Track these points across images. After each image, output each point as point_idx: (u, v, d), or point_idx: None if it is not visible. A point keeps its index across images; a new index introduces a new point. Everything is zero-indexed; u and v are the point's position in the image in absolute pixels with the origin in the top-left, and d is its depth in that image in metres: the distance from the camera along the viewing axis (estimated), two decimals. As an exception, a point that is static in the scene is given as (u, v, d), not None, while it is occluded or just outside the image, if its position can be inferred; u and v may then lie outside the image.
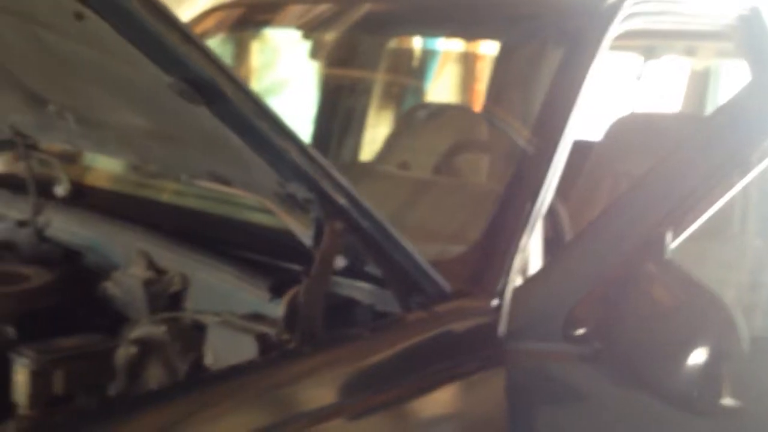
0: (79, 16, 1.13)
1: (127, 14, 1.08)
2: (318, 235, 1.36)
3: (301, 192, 1.30)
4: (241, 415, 1.23)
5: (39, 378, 1.40)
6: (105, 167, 2.26)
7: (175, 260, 1.71)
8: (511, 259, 1.59)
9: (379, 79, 3.64)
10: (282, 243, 1.58)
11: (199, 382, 1.35)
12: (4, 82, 1.68)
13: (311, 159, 1.24)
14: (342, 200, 1.29)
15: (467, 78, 5.05)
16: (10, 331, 1.64)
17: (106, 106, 1.54)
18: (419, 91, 4.62)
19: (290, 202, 1.38)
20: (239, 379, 1.27)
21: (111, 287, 1.79)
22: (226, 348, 1.43)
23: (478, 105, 3.94)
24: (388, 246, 1.38)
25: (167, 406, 1.21)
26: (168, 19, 1.09)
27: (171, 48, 1.10)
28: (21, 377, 1.40)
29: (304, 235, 1.42)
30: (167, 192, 2.00)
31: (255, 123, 1.17)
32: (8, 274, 1.79)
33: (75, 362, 1.43)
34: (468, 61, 3.99)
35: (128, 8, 1.07)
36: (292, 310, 1.34)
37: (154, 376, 1.51)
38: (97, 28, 1.13)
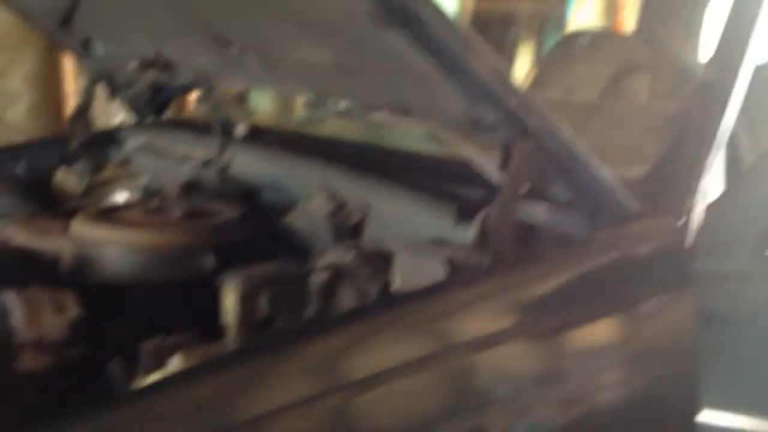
0: None
1: None
2: (505, 158, 1.37)
3: (489, 114, 1.31)
4: (429, 335, 1.27)
5: (246, 301, 1.49)
6: (278, 107, 2.35)
7: (354, 192, 1.77)
8: (697, 179, 1.55)
9: (526, 9, 3.56)
10: (457, 172, 1.61)
11: (390, 302, 1.40)
12: (190, 25, 1.77)
13: (502, 79, 1.24)
14: (532, 120, 1.30)
15: (610, 8, 4.90)
16: (211, 260, 1.76)
17: (289, 43, 1.59)
18: (562, 21, 4.51)
19: (475, 126, 1.39)
20: (429, 299, 1.32)
21: (295, 220, 1.88)
22: (414, 273, 1.47)
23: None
24: (577, 166, 1.37)
25: (358, 325, 1.28)
26: None
27: None
28: (229, 301, 1.50)
29: (486, 161, 1.43)
30: (342, 128, 2.07)
31: (450, 45, 1.18)
32: (200, 210, 1.91)
33: (277, 287, 1.51)
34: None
35: None
36: (483, 232, 1.37)
37: (346, 300, 1.58)
38: None
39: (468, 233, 1.44)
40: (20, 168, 2.45)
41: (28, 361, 1.52)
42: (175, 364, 1.36)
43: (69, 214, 2.19)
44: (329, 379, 1.16)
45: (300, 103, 2.23)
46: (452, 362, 1.24)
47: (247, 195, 2.12)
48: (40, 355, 1.53)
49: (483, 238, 1.37)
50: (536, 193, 1.48)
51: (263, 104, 2.57)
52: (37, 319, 1.54)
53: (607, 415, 1.40)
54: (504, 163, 1.37)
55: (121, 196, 2.29)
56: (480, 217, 1.40)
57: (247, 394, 1.11)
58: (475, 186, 1.54)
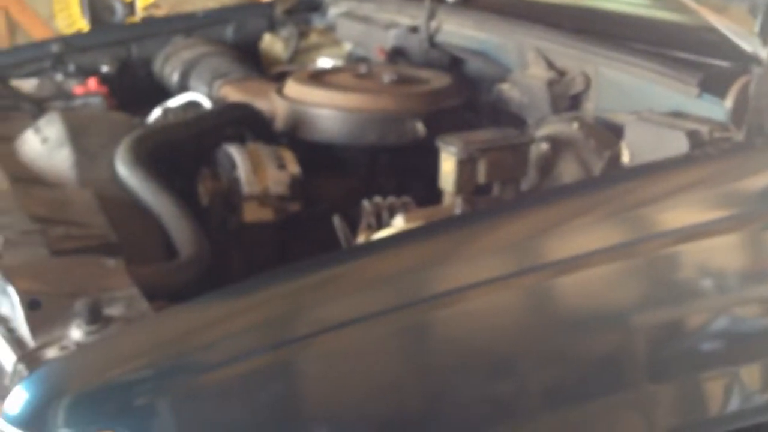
0: None
1: None
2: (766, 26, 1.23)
3: None
4: (690, 206, 1.19)
5: (465, 166, 1.46)
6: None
7: (576, 59, 1.67)
8: None
9: None
10: (699, 39, 1.47)
11: (611, 179, 1.32)
12: None
13: None
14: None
15: None
16: (420, 126, 1.74)
17: None
18: None
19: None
20: (685, 170, 1.23)
21: (507, 89, 1.81)
22: (649, 145, 1.38)
23: None
24: None
25: (588, 196, 1.21)
26: None
27: None
28: (448, 165, 1.47)
29: (738, 29, 1.30)
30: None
31: None
32: (410, 76, 1.88)
33: (496, 153, 1.47)
34: None
35: None
36: (739, 102, 1.25)
37: (568, 172, 1.52)
38: None
39: (713, 107, 1.33)
40: (228, 32, 2.51)
41: (253, 214, 1.57)
42: (398, 223, 1.36)
43: (277, 78, 2.24)
44: (530, 257, 1.10)
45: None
46: (663, 250, 1.15)
47: (453, 62, 2.06)
48: (263, 208, 1.58)
49: (739, 108, 1.25)
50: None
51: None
52: (261, 173, 1.59)
53: None
54: (765, 31, 1.23)
55: (326, 62, 2.30)
56: (736, 88, 1.28)
57: (452, 264, 1.08)
58: (717, 56, 1.41)
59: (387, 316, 1.01)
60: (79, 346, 0.97)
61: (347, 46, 2.39)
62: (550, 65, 1.73)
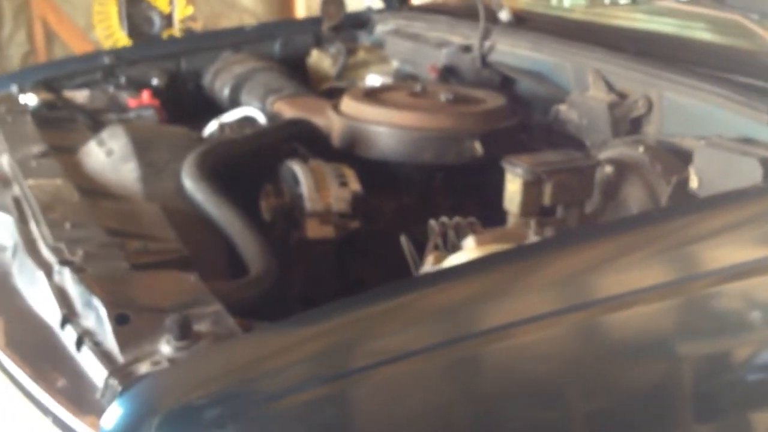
0: None
1: None
2: None
3: None
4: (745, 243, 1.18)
5: (531, 188, 1.46)
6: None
7: (638, 82, 1.67)
8: None
9: None
10: (764, 65, 1.47)
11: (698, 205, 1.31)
12: None
13: None
14: None
15: None
16: (478, 146, 1.74)
17: None
18: None
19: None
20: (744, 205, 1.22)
21: (565, 111, 1.81)
22: (719, 172, 1.38)
23: None
24: None
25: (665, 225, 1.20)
26: None
27: None
28: (514, 187, 1.48)
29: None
30: (620, 16, 1.95)
31: None
32: (464, 96, 1.88)
33: (562, 176, 1.47)
34: None
35: None
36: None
37: (634, 197, 1.52)
38: None
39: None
40: (276, 47, 2.53)
41: (315, 231, 1.58)
42: (468, 245, 1.36)
43: (327, 94, 2.25)
44: (581, 294, 1.09)
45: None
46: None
47: (505, 82, 2.07)
48: (325, 226, 1.58)
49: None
50: None
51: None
52: (324, 190, 1.59)
53: None
54: None
55: (375, 79, 2.31)
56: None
57: (504, 299, 1.08)
58: None
59: (441, 349, 1.01)
60: (171, 362, 0.97)
61: (395, 64, 2.40)
62: (610, 87, 1.73)
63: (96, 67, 2.30)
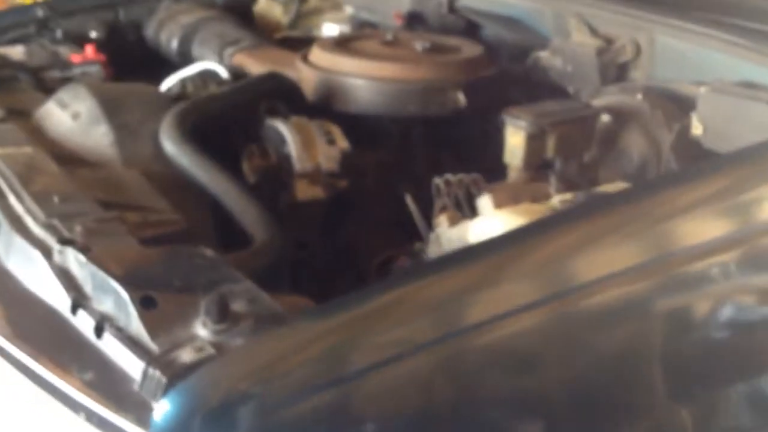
0: None
1: None
2: None
3: None
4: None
5: (534, 141, 1.42)
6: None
7: (626, 26, 1.64)
8: None
9: None
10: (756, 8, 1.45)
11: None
12: None
13: None
14: None
15: None
16: (461, 96, 1.68)
17: None
18: None
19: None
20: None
21: (547, 58, 1.77)
22: (725, 118, 1.36)
23: None
24: None
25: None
26: None
27: None
28: (516, 140, 1.42)
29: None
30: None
31: None
32: (439, 45, 1.81)
33: (565, 127, 1.43)
34: None
35: None
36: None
37: (635, 147, 1.49)
38: None
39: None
40: (221, -5, 2.38)
41: (305, 192, 1.49)
42: (485, 205, 1.30)
43: (280, 45, 2.13)
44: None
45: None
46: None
47: (469, 28, 2.00)
48: (315, 186, 1.50)
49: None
50: None
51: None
52: (312, 149, 1.51)
53: None
54: None
55: (331, 29, 2.21)
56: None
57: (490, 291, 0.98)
58: None
59: (434, 346, 0.91)
60: (217, 348, 0.88)
61: (349, 10, 2.29)
62: (594, 32, 1.70)
63: (28, 20, 2.11)
